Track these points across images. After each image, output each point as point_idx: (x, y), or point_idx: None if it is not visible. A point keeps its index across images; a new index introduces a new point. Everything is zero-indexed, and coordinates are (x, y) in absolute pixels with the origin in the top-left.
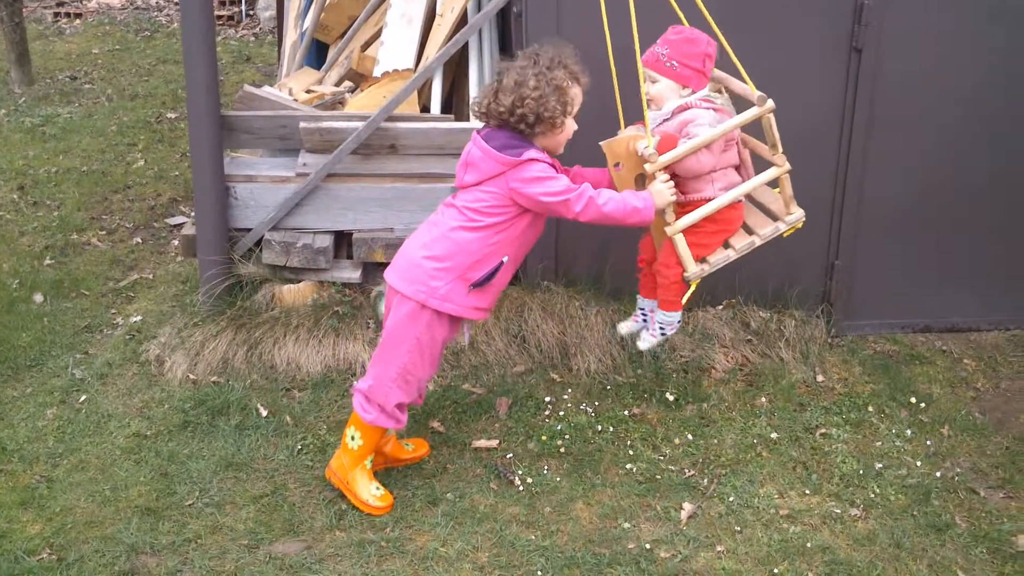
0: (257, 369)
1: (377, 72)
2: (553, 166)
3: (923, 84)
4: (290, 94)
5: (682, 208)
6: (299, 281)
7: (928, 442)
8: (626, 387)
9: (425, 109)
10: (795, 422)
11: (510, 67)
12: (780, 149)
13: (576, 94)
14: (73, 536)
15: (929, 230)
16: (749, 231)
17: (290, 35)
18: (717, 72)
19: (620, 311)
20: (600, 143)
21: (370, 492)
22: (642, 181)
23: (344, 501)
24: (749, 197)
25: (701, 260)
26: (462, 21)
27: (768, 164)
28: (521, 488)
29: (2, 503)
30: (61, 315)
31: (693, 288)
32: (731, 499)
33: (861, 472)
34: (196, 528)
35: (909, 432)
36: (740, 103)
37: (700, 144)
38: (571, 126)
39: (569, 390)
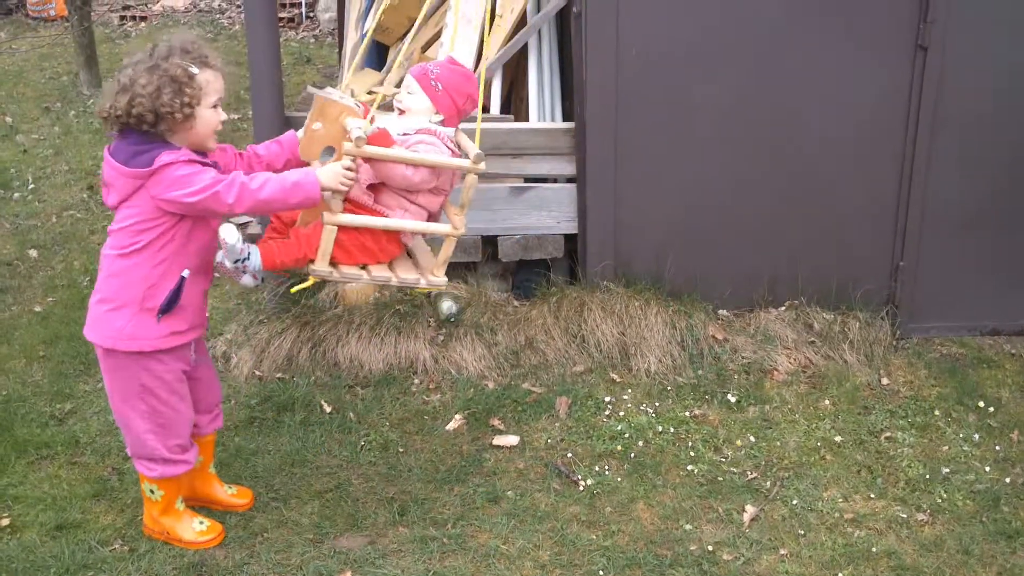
0: (321, 366)
1: None
2: (199, 162)
3: (991, 82)
4: (352, 95)
5: (353, 207)
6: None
7: (997, 447)
8: (687, 388)
9: (485, 110)
10: (859, 425)
11: (127, 63)
12: (465, 212)
13: (206, 80)
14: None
15: (997, 231)
16: (391, 267)
17: (351, 36)
18: (462, 124)
19: (680, 311)
20: (316, 91)
21: (193, 529)
22: (329, 154)
23: (407, 496)
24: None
25: (333, 263)
26: (521, 22)
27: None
28: (582, 488)
29: (76, 494)
30: None
31: (309, 284)
32: (794, 502)
33: (928, 477)
34: (262, 522)
35: (977, 437)
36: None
37: (415, 159)
38: (209, 116)
39: (629, 390)
